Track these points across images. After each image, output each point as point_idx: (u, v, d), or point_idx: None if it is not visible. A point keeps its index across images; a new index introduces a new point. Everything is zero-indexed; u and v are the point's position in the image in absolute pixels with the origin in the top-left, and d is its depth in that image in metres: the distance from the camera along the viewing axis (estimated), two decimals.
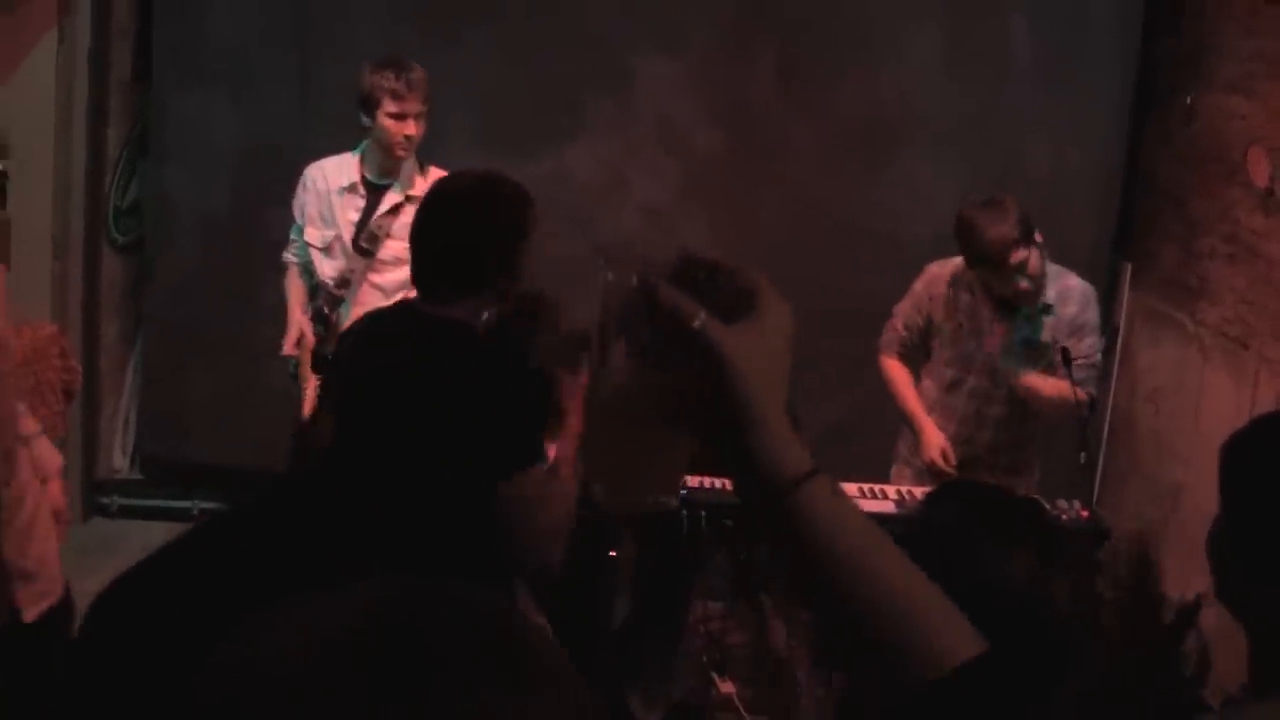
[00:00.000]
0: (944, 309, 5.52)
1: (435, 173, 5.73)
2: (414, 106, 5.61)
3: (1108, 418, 8.21)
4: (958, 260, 5.54)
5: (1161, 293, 7.78)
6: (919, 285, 5.61)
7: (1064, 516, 5.12)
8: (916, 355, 5.72)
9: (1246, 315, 6.79)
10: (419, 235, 3.85)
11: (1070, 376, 5.36)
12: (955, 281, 5.51)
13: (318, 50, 7.46)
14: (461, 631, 1.11)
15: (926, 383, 5.66)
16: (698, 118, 7.63)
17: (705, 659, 5.63)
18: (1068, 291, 5.48)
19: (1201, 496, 6.84)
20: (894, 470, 5.77)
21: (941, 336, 5.53)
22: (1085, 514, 5.15)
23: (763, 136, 7.62)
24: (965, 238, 5.23)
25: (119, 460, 7.98)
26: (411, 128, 5.63)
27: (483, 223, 3.76)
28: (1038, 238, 5.30)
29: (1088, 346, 5.54)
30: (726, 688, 5.50)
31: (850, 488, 5.23)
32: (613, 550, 4.59)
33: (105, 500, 7.71)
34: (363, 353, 3.88)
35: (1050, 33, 7.66)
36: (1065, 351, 5.45)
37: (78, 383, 6.67)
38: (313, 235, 5.98)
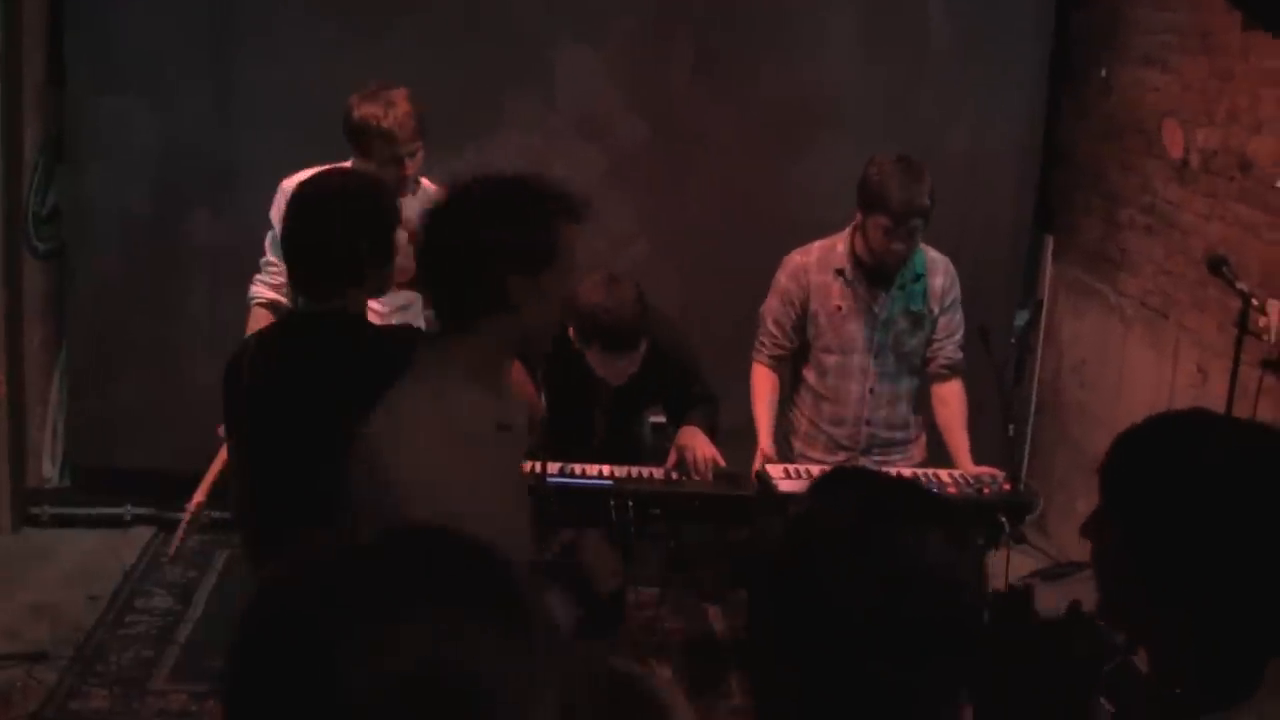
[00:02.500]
0: (817, 295, 5.53)
1: (427, 185, 5.61)
2: (408, 147, 5.26)
3: (1034, 390, 8.28)
4: (819, 244, 5.58)
5: (1083, 265, 7.85)
6: (783, 278, 5.58)
7: (986, 490, 5.14)
8: (789, 357, 5.69)
9: (1165, 285, 6.86)
10: (294, 239, 3.90)
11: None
12: (825, 266, 5.53)
13: (235, 48, 7.41)
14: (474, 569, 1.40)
15: (806, 374, 5.66)
16: (619, 107, 7.63)
17: (641, 645, 5.65)
18: (933, 263, 5.55)
19: None
20: (795, 445, 5.74)
21: (817, 324, 5.53)
22: (1008, 486, 5.18)
23: (684, 124, 7.63)
24: (875, 186, 5.25)
25: (48, 469, 7.92)
26: (408, 169, 5.29)
27: (355, 215, 3.84)
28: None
29: (958, 321, 5.61)
30: (663, 672, 5.52)
31: (775, 469, 5.25)
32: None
33: (36, 510, 7.64)
34: (265, 368, 3.91)
35: (966, 11, 7.70)
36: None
37: (1, 393, 6.63)
38: None
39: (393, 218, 3.95)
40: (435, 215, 3.28)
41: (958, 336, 5.61)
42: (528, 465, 4.93)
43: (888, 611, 1.91)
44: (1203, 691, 2.11)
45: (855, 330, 5.49)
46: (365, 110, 5.20)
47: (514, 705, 1.33)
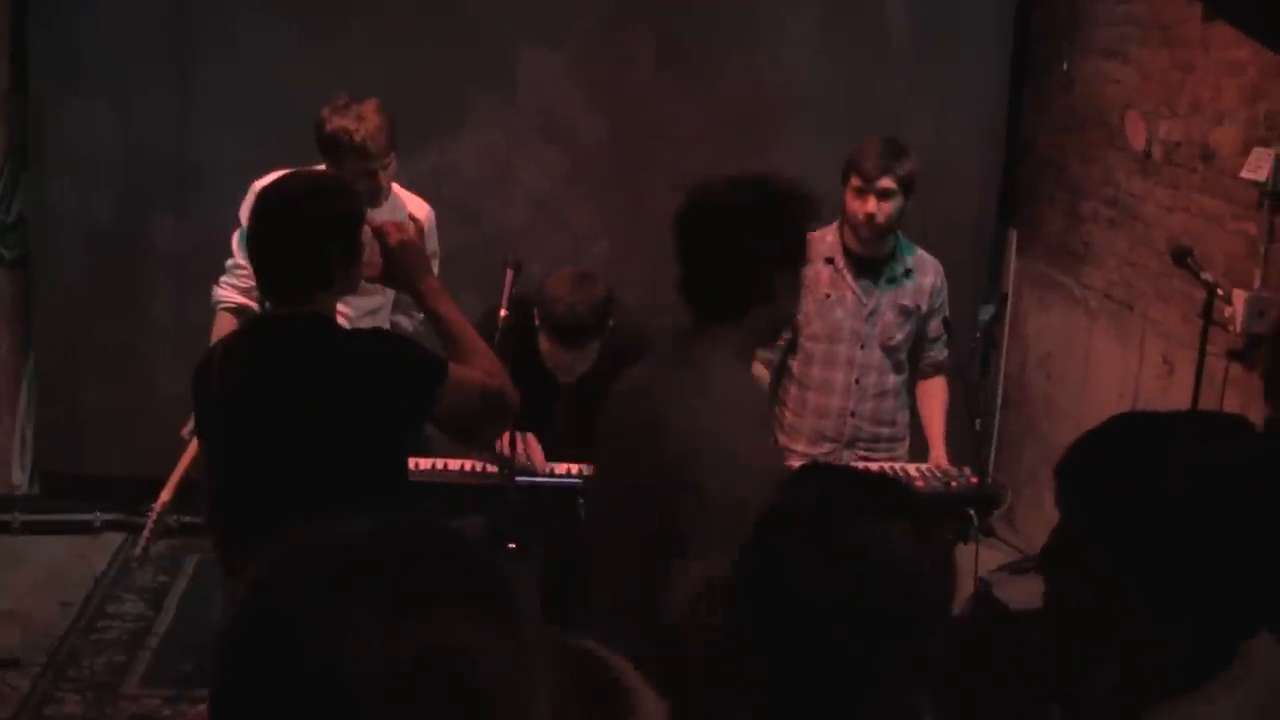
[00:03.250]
0: (806, 282, 5.56)
1: (405, 195, 5.63)
2: (382, 159, 5.26)
3: (1000, 384, 8.31)
4: (811, 235, 5.62)
5: (1048, 258, 7.89)
6: None
7: (953, 483, 5.17)
8: (783, 349, 5.71)
9: (1130, 277, 6.90)
10: (260, 242, 3.87)
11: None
12: (814, 254, 5.57)
13: (196, 52, 7.39)
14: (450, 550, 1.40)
15: (792, 364, 5.67)
16: (581, 106, 7.64)
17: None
18: (923, 261, 5.60)
19: None
20: (780, 439, 5.75)
21: (805, 311, 5.56)
22: (975, 480, 5.20)
23: (647, 121, 7.64)
24: (852, 153, 5.40)
25: (18, 476, 7.89)
26: (381, 180, 5.29)
27: (319, 218, 3.81)
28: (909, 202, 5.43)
29: (944, 319, 5.65)
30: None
31: None
32: (512, 543, 4.60)
33: (6, 517, 7.58)
34: (235, 372, 3.91)
35: (926, 7, 7.72)
36: (947, 321, 5.57)
37: None
38: None
39: (359, 218, 3.93)
40: (697, 220, 3.53)
41: (945, 337, 5.65)
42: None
43: (852, 602, 1.94)
44: (1179, 680, 2.11)
45: (842, 319, 5.52)
46: (337, 124, 5.19)
47: (512, 695, 1.34)
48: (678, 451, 3.31)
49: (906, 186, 5.33)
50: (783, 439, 5.69)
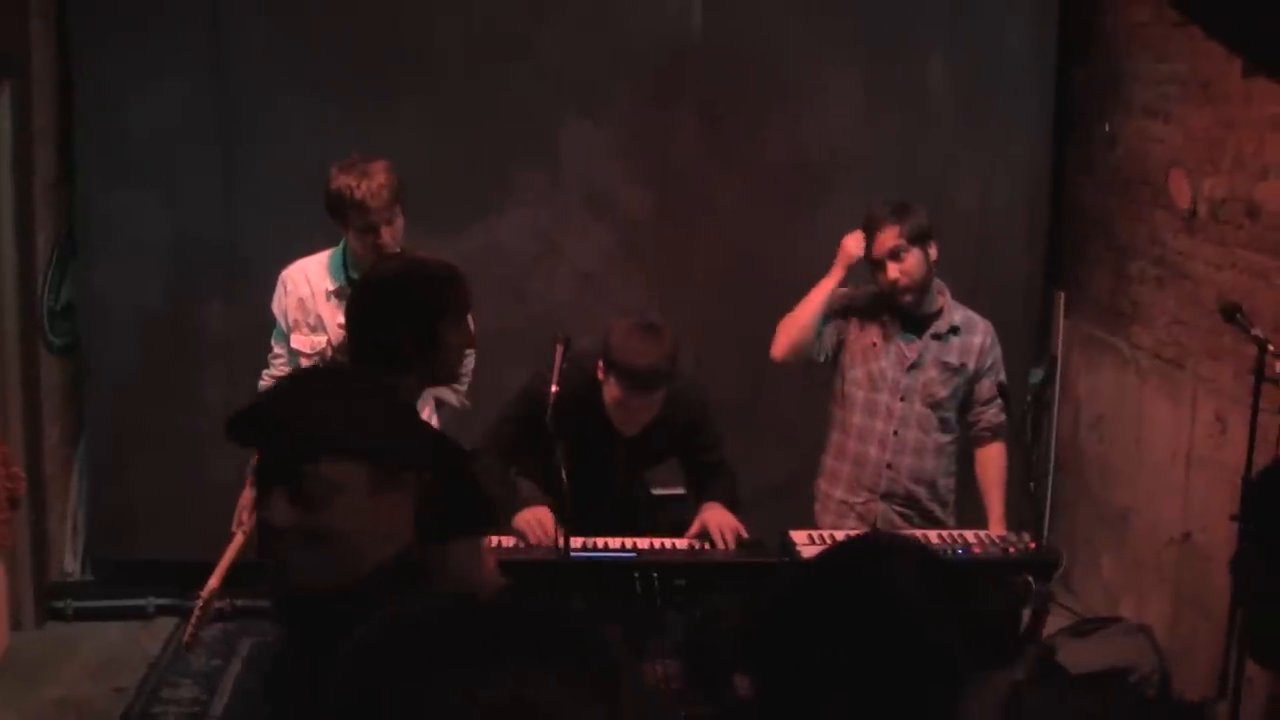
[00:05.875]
0: (858, 326, 5.61)
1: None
2: (382, 215, 5.28)
3: (1053, 447, 8.26)
4: (865, 288, 5.68)
5: (1096, 319, 7.85)
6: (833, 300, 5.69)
7: (1011, 549, 5.14)
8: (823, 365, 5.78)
9: (1179, 336, 6.86)
10: (350, 322, 4.01)
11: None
12: (870, 303, 5.62)
13: (241, 138, 7.45)
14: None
15: (835, 410, 5.72)
16: (625, 180, 7.66)
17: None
18: (970, 320, 5.67)
19: (1149, 518, 6.88)
20: (816, 508, 5.80)
21: (851, 354, 5.61)
22: (1033, 545, 5.18)
23: (691, 193, 7.65)
24: (864, 220, 5.61)
25: (70, 563, 7.91)
26: (384, 235, 5.30)
27: (396, 306, 3.87)
28: (931, 253, 5.56)
29: (998, 383, 5.64)
30: None
31: (799, 534, 5.23)
32: None
33: (59, 604, 7.61)
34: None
35: (967, 70, 7.72)
36: (1003, 386, 5.57)
37: (21, 490, 6.63)
38: (301, 342, 5.54)
39: (441, 308, 3.94)
40: None
41: (999, 400, 5.64)
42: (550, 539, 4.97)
43: (863, 654, 1.93)
44: None
45: (885, 369, 5.59)
46: (341, 181, 5.29)
47: None
48: None
49: (917, 238, 5.47)
50: (824, 486, 5.77)
